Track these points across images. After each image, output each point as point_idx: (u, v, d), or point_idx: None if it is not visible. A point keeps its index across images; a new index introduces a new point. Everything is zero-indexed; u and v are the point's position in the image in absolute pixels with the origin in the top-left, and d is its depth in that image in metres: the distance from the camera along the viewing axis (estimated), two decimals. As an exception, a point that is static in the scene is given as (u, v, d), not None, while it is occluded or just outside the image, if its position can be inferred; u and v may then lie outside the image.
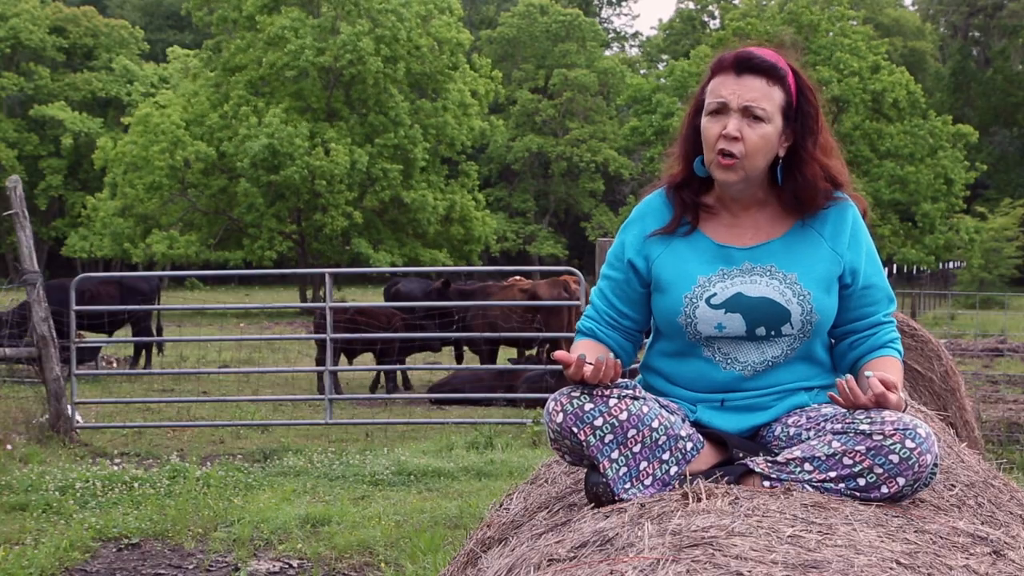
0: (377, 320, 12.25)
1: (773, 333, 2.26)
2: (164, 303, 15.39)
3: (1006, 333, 19.76)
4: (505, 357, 13.82)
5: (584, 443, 2.14)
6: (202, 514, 5.86)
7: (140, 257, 31.88)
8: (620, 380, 2.21)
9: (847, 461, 2.03)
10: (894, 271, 31.99)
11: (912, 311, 25.44)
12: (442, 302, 12.44)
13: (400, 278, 17.05)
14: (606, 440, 2.14)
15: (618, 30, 63.29)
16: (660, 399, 2.27)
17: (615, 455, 2.14)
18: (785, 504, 1.91)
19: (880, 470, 2.01)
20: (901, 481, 2.01)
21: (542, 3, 49.05)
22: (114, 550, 5.35)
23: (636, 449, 2.14)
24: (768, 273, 2.28)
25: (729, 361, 2.29)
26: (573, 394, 2.16)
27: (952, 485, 2.29)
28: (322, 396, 9.89)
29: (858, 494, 2.03)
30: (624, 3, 67.24)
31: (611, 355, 2.26)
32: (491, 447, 8.14)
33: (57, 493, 6.38)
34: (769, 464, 2.11)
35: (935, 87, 48.01)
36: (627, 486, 2.13)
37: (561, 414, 2.15)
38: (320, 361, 12.45)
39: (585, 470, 2.23)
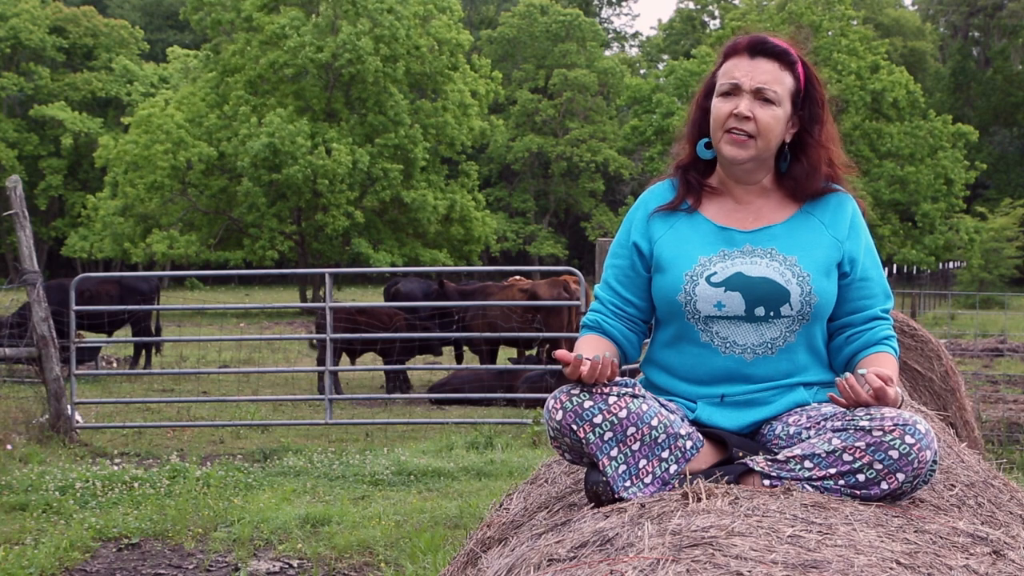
0: (379, 320, 12.25)
1: (772, 313, 2.27)
2: (164, 303, 15.42)
3: (1006, 333, 19.76)
4: (505, 357, 13.82)
5: (583, 441, 2.14)
6: (202, 514, 5.86)
7: (140, 257, 31.88)
8: (619, 379, 2.21)
9: (847, 457, 2.03)
10: (894, 271, 31.98)
11: (912, 311, 25.44)
12: (442, 302, 12.45)
13: (400, 278, 17.05)
14: (605, 438, 2.14)
15: (618, 30, 63.30)
16: (660, 398, 2.27)
17: (614, 453, 2.14)
18: (785, 504, 1.91)
19: (880, 466, 2.01)
20: (901, 477, 2.01)
21: (542, 3, 49.04)
22: (114, 550, 5.35)
23: (635, 447, 2.15)
24: (769, 255, 2.30)
25: (728, 345, 2.30)
26: (572, 392, 2.17)
27: (952, 485, 2.29)
28: (322, 396, 9.89)
29: (858, 491, 2.03)
30: (624, 3, 67.23)
31: (611, 352, 2.27)
32: (491, 447, 8.14)
33: (57, 493, 6.38)
34: (769, 463, 2.11)
35: (935, 87, 48.01)
36: (627, 484, 2.13)
37: (560, 412, 2.16)
38: (321, 361, 12.47)
39: (585, 469, 2.23)
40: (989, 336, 19.05)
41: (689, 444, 2.18)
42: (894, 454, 2.01)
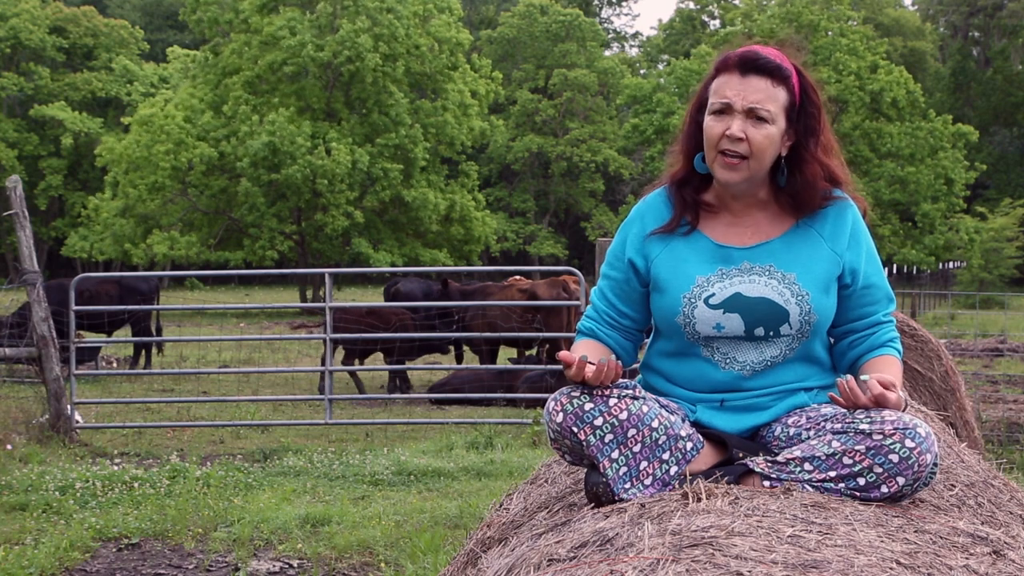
0: (388, 320, 12.24)
1: (771, 333, 2.27)
2: (164, 303, 15.41)
3: (1006, 333, 19.76)
4: (505, 357, 13.82)
5: (584, 443, 2.14)
6: (202, 514, 5.86)
7: (141, 258, 31.88)
8: (620, 380, 2.21)
9: (847, 460, 2.03)
10: (894, 271, 31.98)
11: (912, 311, 25.43)
12: (442, 302, 12.44)
13: (400, 278, 17.05)
14: (606, 440, 2.14)
15: (618, 30, 63.30)
16: (660, 399, 2.27)
17: (615, 455, 2.14)
18: (785, 504, 1.90)
19: (880, 469, 2.01)
20: (901, 480, 2.01)
21: (542, 3, 49.03)
22: (114, 550, 5.35)
23: (636, 449, 2.14)
24: (767, 273, 2.28)
25: (728, 361, 2.29)
26: (573, 394, 2.17)
27: (952, 485, 2.28)
28: (322, 396, 9.89)
29: (858, 494, 2.03)
30: (624, 3, 67.20)
31: (612, 356, 2.26)
32: (491, 447, 8.13)
33: (57, 493, 6.38)
34: (769, 464, 2.11)
35: (935, 87, 48.01)
36: (627, 486, 2.13)
37: (561, 414, 2.15)
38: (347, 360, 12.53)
39: (585, 470, 2.23)
40: (989, 336, 19.05)
41: (690, 445, 2.18)
42: (894, 458, 2.01)
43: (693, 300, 2.28)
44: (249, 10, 31.58)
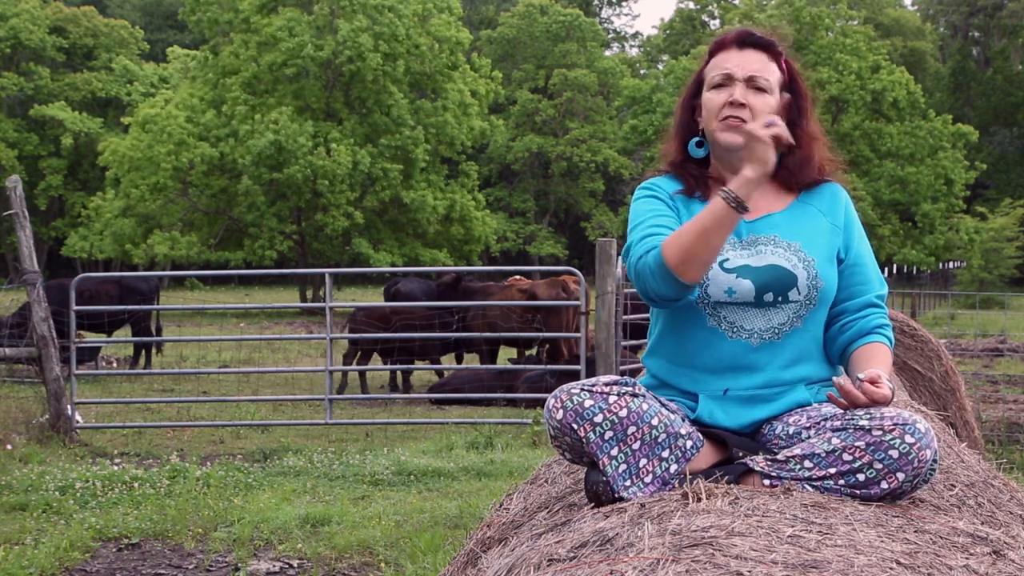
0: (410, 319, 12.20)
1: (780, 299, 2.29)
2: (164, 303, 15.41)
3: (1006, 333, 19.75)
4: (505, 357, 13.82)
5: (584, 440, 2.14)
6: (202, 514, 5.86)
7: (141, 258, 31.88)
8: (620, 378, 2.22)
9: (847, 457, 2.03)
10: (894, 271, 31.97)
11: (912, 311, 25.42)
12: (442, 302, 12.43)
13: (400, 278, 17.04)
14: (606, 437, 2.14)
15: (618, 30, 63.32)
16: (660, 398, 2.28)
17: (614, 452, 2.14)
18: (785, 504, 1.91)
19: (880, 465, 2.01)
20: (901, 476, 2.01)
21: (542, 3, 49.04)
22: (114, 550, 5.35)
23: (635, 446, 2.15)
24: (772, 242, 2.33)
25: (735, 330, 2.30)
26: (573, 391, 2.17)
27: (952, 485, 2.29)
28: (322, 396, 9.89)
29: (858, 490, 2.03)
30: (624, 3, 67.23)
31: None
32: (491, 447, 8.13)
33: (57, 493, 6.38)
34: (769, 463, 2.11)
35: (935, 87, 48.04)
36: (627, 483, 2.13)
37: (561, 411, 2.16)
38: (347, 359, 12.51)
39: (585, 469, 2.23)
40: (989, 336, 19.05)
41: (689, 444, 2.18)
42: (894, 453, 2.01)
43: None
44: (249, 10, 31.58)
